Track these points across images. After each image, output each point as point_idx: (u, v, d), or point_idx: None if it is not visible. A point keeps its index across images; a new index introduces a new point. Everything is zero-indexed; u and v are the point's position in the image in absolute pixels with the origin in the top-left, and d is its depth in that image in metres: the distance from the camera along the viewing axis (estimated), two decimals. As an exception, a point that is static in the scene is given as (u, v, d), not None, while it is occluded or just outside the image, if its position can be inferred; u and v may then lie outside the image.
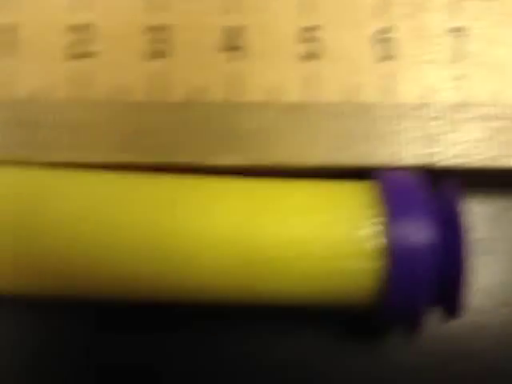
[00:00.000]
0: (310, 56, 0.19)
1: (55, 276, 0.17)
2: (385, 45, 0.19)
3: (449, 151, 0.18)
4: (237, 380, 0.19)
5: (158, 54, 0.19)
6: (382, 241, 0.16)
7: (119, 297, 0.17)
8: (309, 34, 0.19)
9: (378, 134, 0.18)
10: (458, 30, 0.19)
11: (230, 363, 0.19)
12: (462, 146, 0.18)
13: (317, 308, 0.18)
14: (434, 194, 0.17)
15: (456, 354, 0.19)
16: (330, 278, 0.17)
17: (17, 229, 0.17)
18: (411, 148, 0.18)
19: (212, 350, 0.19)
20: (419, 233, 0.16)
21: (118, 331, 0.19)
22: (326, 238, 0.17)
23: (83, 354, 0.19)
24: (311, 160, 0.18)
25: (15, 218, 0.17)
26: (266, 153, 0.18)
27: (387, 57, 0.19)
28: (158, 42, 0.19)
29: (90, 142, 0.18)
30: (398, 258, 0.16)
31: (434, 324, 0.19)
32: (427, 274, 0.16)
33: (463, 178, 0.18)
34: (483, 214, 0.20)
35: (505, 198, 0.20)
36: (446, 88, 0.19)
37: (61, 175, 0.18)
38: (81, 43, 0.19)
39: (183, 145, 0.18)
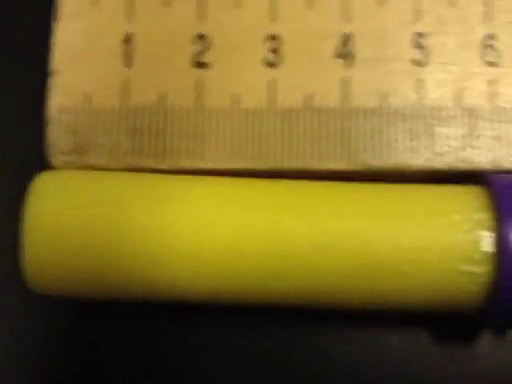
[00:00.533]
0: (419, 62, 0.19)
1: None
2: (491, 51, 0.19)
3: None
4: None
5: (272, 63, 0.19)
6: (495, 245, 0.17)
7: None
8: (420, 40, 0.19)
9: (483, 139, 0.19)
10: (561, 35, 0.20)
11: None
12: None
13: (425, 310, 0.18)
14: None
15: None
16: (441, 281, 0.17)
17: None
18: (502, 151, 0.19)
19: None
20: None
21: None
22: (438, 242, 0.17)
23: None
24: (416, 164, 0.19)
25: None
26: (376, 157, 0.19)
27: (494, 63, 0.19)
28: (273, 52, 0.19)
29: (206, 150, 0.19)
30: (509, 263, 0.17)
31: None
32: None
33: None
34: None
35: None
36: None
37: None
38: (200, 53, 0.19)
39: (295, 151, 0.19)
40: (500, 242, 0.17)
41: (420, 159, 0.19)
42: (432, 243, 0.17)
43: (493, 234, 0.17)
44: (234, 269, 0.17)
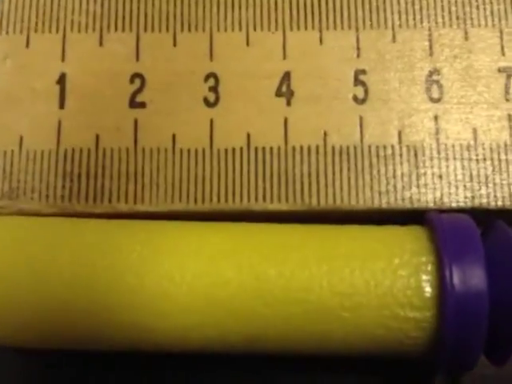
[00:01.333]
0: (361, 99, 0.19)
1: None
2: (434, 86, 0.19)
3: (497, 193, 0.19)
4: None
5: (211, 102, 0.19)
6: (436, 289, 0.17)
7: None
8: (360, 77, 0.19)
9: (426, 177, 0.19)
10: (505, 70, 0.19)
11: None
12: (510, 188, 0.19)
13: (368, 357, 0.18)
14: (484, 237, 0.17)
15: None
16: (382, 326, 0.17)
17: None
18: (459, 190, 0.19)
19: None
20: (473, 280, 0.16)
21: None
22: (378, 287, 0.17)
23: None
24: (359, 204, 0.19)
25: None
26: (315, 198, 0.19)
27: (437, 99, 0.19)
28: (212, 91, 0.19)
29: (142, 192, 0.18)
30: (451, 307, 0.16)
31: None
32: (481, 323, 0.16)
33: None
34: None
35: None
36: (495, 128, 0.19)
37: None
38: (136, 93, 0.19)
39: (235, 191, 0.19)
40: (441, 285, 0.17)
41: (363, 199, 0.19)
42: (372, 288, 0.17)
43: (434, 278, 0.17)
44: (166, 315, 0.17)
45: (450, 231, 0.17)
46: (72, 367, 0.19)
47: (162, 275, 0.17)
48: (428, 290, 0.17)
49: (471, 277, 0.17)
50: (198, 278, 0.17)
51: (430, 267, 0.17)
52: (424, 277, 0.17)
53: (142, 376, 0.19)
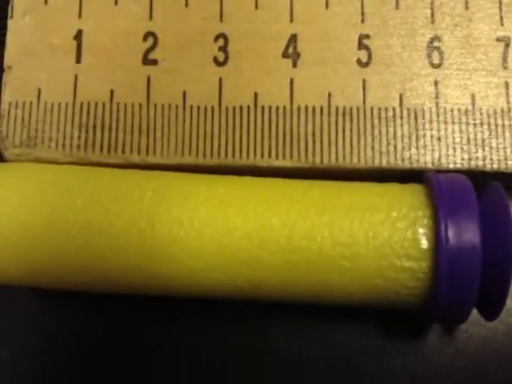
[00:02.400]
0: (364, 63, 0.20)
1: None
2: (435, 52, 0.20)
3: (493, 156, 0.19)
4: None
5: (220, 62, 0.20)
6: (431, 241, 0.18)
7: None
8: (364, 41, 0.20)
9: (425, 138, 0.19)
10: (503, 39, 0.20)
11: (262, 357, 0.21)
12: (506, 151, 0.19)
13: (366, 306, 0.19)
14: (479, 197, 0.18)
15: (493, 355, 0.20)
16: (380, 276, 0.18)
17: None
18: (457, 152, 0.19)
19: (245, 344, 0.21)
20: (467, 234, 0.17)
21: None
22: (376, 238, 0.18)
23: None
24: (360, 163, 0.19)
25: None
26: (319, 156, 0.19)
27: (437, 65, 0.20)
28: (221, 50, 0.20)
29: (154, 145, 0.19)
30: (445, 259, 0.17)
31: (472, 325, 0.20)
32: (474, 275, 0.17)
33: (505, 182, 0.19)
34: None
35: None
36: (492, 95, 0.20)
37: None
38: (149, 51, 0.20)
39: (241, 147, 0.19)
40: (436, 238, 0.17)
41: (364, 158, 0.19)
42: (371, 239, 0.18)
43: (430, 231, 0.18)
44: (175, 259, 0.18)
45: (447, 188, 0.18)
46: (86, 309, 0.20)
47: (172, 221, 0.18)
48: (424, 242, 0.18)
49: (465, 231, 0.17)
50: (206, 224, 0.18)
51: (426, 221, 0.18)
52: (421, 230, 0.18)
53: (150, 318, 0.20)
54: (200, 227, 0.18)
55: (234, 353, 0.20)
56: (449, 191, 0.18)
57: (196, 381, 0.20)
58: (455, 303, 0.18)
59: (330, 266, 0.18)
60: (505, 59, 0.20)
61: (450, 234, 0.17)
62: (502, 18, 0.20)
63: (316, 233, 0.18)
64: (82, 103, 0.19)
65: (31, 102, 0.19)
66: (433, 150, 0.19)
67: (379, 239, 0.18)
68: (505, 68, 0.20)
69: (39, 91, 0.19)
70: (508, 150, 0.19)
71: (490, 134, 0.19)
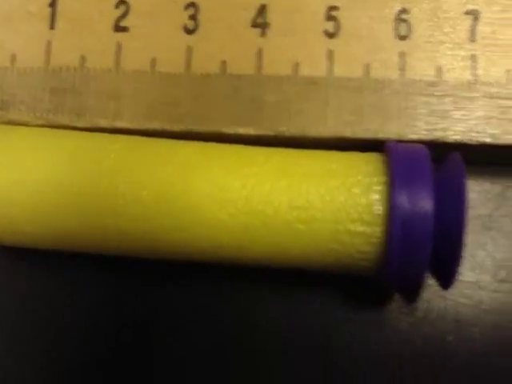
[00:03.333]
0: (332, 34, 0.20)
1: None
2: (402, 25, 0.20)
3: (456, 127, 0.20)
4: (232, 343, 0.21)
5: (190, 30, 0.20)
6: (385, 207, 0.18)
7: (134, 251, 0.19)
8: (332, 13, 0.20)
9: (390, 109, 0.20)
10: (472, 13, 0.20)
11: (228, 325, 0.21)
12: (468, 123, 0.20)
13: (323, 270, 0.19)
14: (438, 167, 0.18)
15: (454, 325, 0.20)
16: (335, 240, 0.18)
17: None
18: (421, 123, 0.20)
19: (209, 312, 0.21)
20: (420, 201, 0.18)
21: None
22: (332, 203, 0.18)
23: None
24: (325, 132, 0.20)
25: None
26: (285, 124, 0.20)
27: (404, 36, 0.20)
28: (191, 19, 0.20)
29: (122, 110, 0.20)
30: (397, 224, 0.18)
31: (433, 295, 0.20)
32: (425, 240, 0.18)
33: (470, 155, 0.20)
34: (488, 191, 0.21)
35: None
36: (459, 67, 0.20)
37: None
38: (120, 18, 0.20)
39: (208, 114, 0.20)
40: (389, 204, 0.18)
41: (329, 127, 0.20)
42: (327, 204, 0.18)
43: (384, 197, 0.18)
44: (137, 219, 0.18)
45: (403, 156, 0.18)
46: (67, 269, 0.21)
47: (135, 183, 0.18)
48: (377, 207, 0.18)
49: (418, 198, 0.18)
50: (167, 186, 0.18)
51: (381, 187, 0.18)
52: (374, 195, 0.18)
53: (126, 285, 0.21)
54: (160, 187, 0.18)
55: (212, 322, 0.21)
56: (404, 159, 0.18)
57: (179, 359, 0.21)
58: (407, 268, 0.18)
59: (286, 229, 0.18)
60: (472, 32, 0.20)
61: (403, 200, 0.18)
62: (470, -9, 0.20)
63: (274, 197, 0.18)
64: (54, 68, 0.20)
65: (6, 67, 0.20)
66: (398, 121, 0.20)
67: (335, 204, 0.18)
68: (472, 41, 0.20)
69: (13, 56, 0.20)
70: (472, 122, 0.20)
71: (455, 106, 0.20)
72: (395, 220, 0.18)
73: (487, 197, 0.21)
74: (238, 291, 0.21)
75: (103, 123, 0.20)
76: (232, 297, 0.21)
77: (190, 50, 0.20)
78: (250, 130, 0.20)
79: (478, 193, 0.21)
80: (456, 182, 0.18)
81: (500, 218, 0.21)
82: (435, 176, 0.18)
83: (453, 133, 0.20)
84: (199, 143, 0.19)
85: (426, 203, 0.18)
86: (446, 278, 0.18)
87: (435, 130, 0.20)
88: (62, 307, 0.21)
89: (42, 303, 0.21)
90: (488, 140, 0.19)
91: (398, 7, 0.20)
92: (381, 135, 0.20)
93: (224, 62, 0.20)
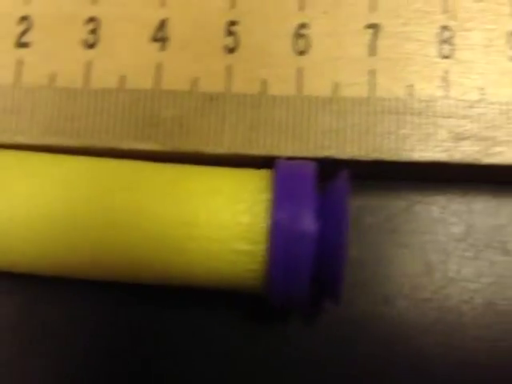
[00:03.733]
0: (231, 49, 0.20)
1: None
2: (301, 40, 0.20)
3: (353, 145, 0.19)
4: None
5: (90, 44, 0.20)
6: (266, 225, 0.18)
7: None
8: (232, 28, 0.20)
9: (286, 126, 0.20)
10: (373, 27, 0.20)
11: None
12: (365, 140, 0.19)
13: (213, 288, 0.19)
14: (325, 185, 0.18)
15: (357, 340, 0.20)
16: (222, 259, 0.18)
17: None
18: (316, 141, 0.20)
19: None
20: (302, 219, 0.18)
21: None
22: (217, 221, 0.18)
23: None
24: (221, 148, 0.20)
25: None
26: (181, 140, 0.20)
27: (303, 52, 0.20)
28: (92, 33, 0.20)
29: (20, 125, 0.20)
30: (278, 242, 0.18)
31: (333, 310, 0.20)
32: (306, 259, 0.18)
33: (371, 171, 0.20)
34: (393, 207, 0.21)
35: (416, 191, 0.21)
36: (356, 83, 0.20)
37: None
38: (22, 34, 0.20)
39: (106, 129, 0.20)
40: (272, 221, 0.18)
41: (224, 144, 0.20)
42: (212, 221, 0.18)
43: (267, 215, 0.18)
44: (24, 238, 0.19)
45: (287, 174, 0.18)
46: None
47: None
48: (262, 225, 0.18)
49: (299, 215, 0.18)
50: (25, 200, 0.18)
51: (264, 205, 0.18)
52: (258, 213, 0.18)
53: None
54: (19, 202, 0.18)
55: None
56: (288, 176, 0.18)
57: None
58: (291, 286, 0.18)
59: (173, 247, 0.18)
60: (372, 47, 0.20)
61: (284, 217, 0.18)
62: (371, 5, 0.20)
63: (161, 214, 0.18)
64: (-46, 82, 0.20)
65: None
66: (292, 138, 0.20)
67: (220, 222, 0.18)
68: (371, 55, 0.20)
69: None
70: (368, 138, 0.19)
71: (351, 123, 0.20)
72: (276, 238, 0.18)
73: (393, 212, 0.21)
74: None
75: (3, 138, 0.20)
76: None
77: (89, 65, 0.20)
78: (147, 146, 0.20)
79: (382, 208, 0.21)
80: (339, 200, 0.18)
81: (407, 233, 0.21)
82: (321, 193, 0.18)
83: (349, 150, 0.19)
84: (87, 160, 0.19)
85: (306, 220, 0.18)
86: (332, 294, 0.18)
87: (329, 147, 0.19)
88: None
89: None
90: (384, 156, 0.19)
91: (297, 22, 0.20)
92: (276, 152, 0.20)
93: (123, 77, 0.20)
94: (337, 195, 0.18)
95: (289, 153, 0.19)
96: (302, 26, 0.20)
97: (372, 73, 0.20)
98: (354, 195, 0.21)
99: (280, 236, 0.18)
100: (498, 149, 0.19)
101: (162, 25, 0.20)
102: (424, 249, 0.21)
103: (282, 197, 0.18)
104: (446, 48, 0.20)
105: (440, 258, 0.21)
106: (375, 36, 0.20)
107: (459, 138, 0.19)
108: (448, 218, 0.21)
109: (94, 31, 0.20)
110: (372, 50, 0.20)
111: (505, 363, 0.20)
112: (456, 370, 0.20)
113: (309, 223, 0.18)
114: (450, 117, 0.19)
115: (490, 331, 0.20)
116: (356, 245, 0.21)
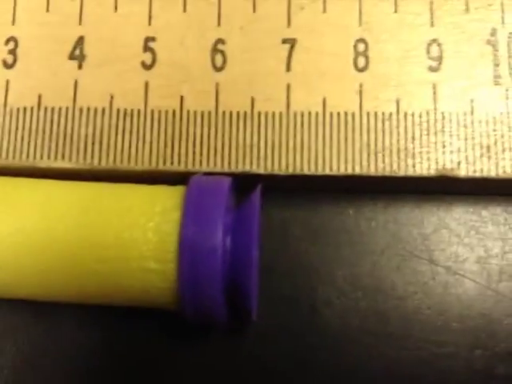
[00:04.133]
0: (148, 66, 0.20)
1: None
2: (219, 56, 0.20)
3: (267, 159, 0.19)
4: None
5: (9, 64, 0.20)
6: (176, 243, 0.18)
7: None
8: (149, 44, 0.20)
9: (203, 141, 0.20)
10: (289, 42, 0.20)
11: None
12: (278, 155, 0.19)
13: (127, 306, 0.19)
14: (239, 202, 0.18)
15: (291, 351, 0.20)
16: (131, 277, 0.18)
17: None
18: (231, 156, 0.19)
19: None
20: (208, 236, 0.17)
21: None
22: (126, 240, 0.18)
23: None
24: (137, 165, 0.20)
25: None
26: (98, 158, 0.20)
27: (220, 68, 0.20)
28: (10, 53, 0.20)
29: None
30: (186, 260, 0.17)
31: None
32: (215, 276, 0.17)
33: (293, 183, 0.19)
34: (322, 218, 0.21)
35: (343, 202, 0.21)
36: (272, 98, 0.20)
37: None
38: None
39: (22, 148, 0.20)
40: (180, 239, 0.18)
41: (141, 160, 0.20)
42: (121, 241, 0.18)
43: (177, 233, 0.18)
44: None
45: (199, 190, 0.18)
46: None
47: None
48: (171, 244, 0.18)
49: (208, 233, 0.17)
50: None
51: (174, 223, 0.18)
52: (168, 232, 0.18)
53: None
54: None
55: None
56: (199, 193, 0.18)
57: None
58: (203, 303, 0.18)
59: (82, 268, 0.18)
60: (288, 62, 0.20)
61: (191, 234, 0.17)
62: (289, 18, 0.20)
63: (69, 235, 0.18)
64: None
65: None
66: (207, 154, 0.20)
67: (130, 240, 0.18)
68: (288, 71, 0.20)
69: None
70: (282, 153, 0.19)
71: (265, 138, 0.19)
72: (183, 256, 0.17)
73: (319, 223, 0.21)
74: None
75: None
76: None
77: (7, 85, 0.20)
78: (64, 164, 0.20)
79: (309, 219, 0.21)
80: (250, 214, 0.18)
81: (334, 244, 0.21)
82: (235, 208, 0.18)
83: (265, 164, 0.19)
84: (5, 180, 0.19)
85: (214, 236, 0.17)
86: (246, 312, 0.18)
87: (246, 162, 0.19)
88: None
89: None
90: (300, 171, 0.19)
91: (214, 37, 0.20)
92: (193, 168, 0.20)
93: (40, 96, 0.20)
94: (249, 209, 0.18)
95: (206, 168, 0.19)
96: (220, 41, 0.20)
97: (288, 87, 0.20)
98: (282, 207, 0.21)
99: (187, 254, 0.17)
100: (413, 160, 0.19)
101: (79, 43, 0.20)
102: (350, 259, 0.21)
103: (192, 214, 0.18)
104: (362, 61, 0.20)
105: (366, 267, 0.21)
106: (291, 51, 0.20)
107: (374, 151, 0.19)
108: (374, 229, 0.21)
109: (12, 51, 0.20)
110: (288, 65, 0.20)
111: (426, 372, 0.20)
112: (380, 378, 0.20)
113: (215, 239, 0.17)
114: (364, 130, 0.19)
115: (414, 340, 0.20)
116: (283, 256, 0.21)
